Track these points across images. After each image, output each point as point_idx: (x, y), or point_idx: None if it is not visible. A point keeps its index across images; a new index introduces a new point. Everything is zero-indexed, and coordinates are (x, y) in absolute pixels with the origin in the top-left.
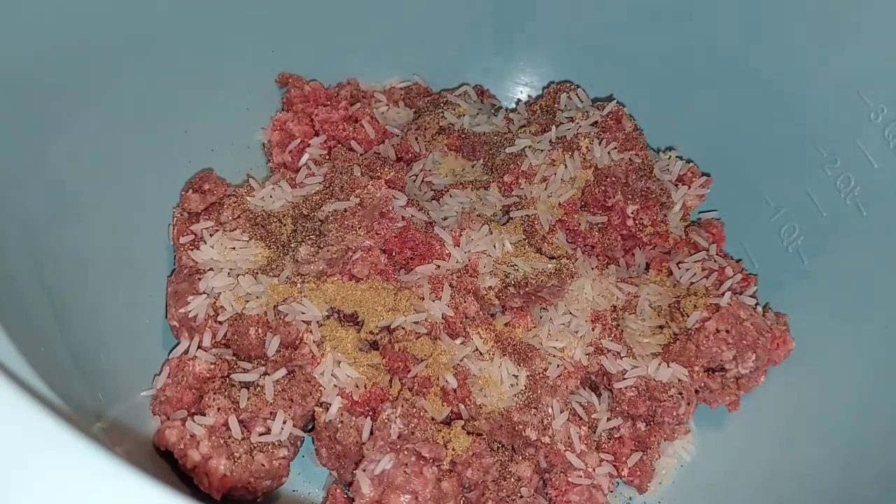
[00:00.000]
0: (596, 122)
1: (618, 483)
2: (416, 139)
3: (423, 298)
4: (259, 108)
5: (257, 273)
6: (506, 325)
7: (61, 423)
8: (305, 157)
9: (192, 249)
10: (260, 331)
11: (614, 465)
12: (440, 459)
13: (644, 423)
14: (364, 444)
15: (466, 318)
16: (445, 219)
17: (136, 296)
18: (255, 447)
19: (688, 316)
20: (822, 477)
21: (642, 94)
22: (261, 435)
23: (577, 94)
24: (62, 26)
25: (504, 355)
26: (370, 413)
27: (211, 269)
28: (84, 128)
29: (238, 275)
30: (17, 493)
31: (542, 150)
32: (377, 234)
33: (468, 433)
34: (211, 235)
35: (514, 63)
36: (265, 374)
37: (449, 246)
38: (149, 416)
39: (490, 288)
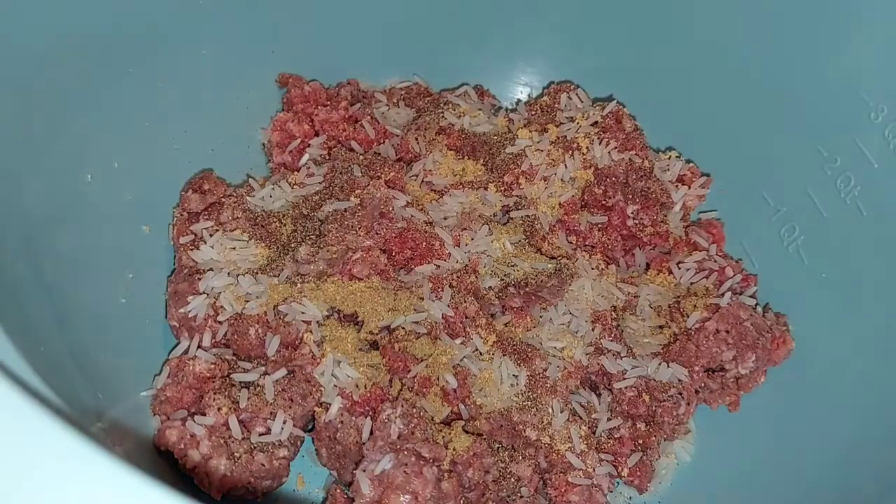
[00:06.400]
0: (596, 122)
1: (618, 483)
2: (416, 139)
3: (423, 298)
4: (259, 108)
5: (257, 273)
6: (506, 325)
7: (61, 423)
8: (305, 157)
9: (192, 249)
10: (260, 331)
11: (614, 465)
12: (440, 459)
13: (644, 423)
14: (364, 444)
15: (466, 318)
16: (445, 219)
17: (136, 296)
18: (255, 447)
19: (688, 316)
20: (822, 477)
21: (642, 94)
22: (261, 435)
23: (577, 94)
24: (62, 27)
25: (504, 355)
26: (370, 413)
27: (211, 269)
28: (84, 128)
29: (238, 275)
30: (17, 493)
31: (542, 150)
32: (377, 234)
33: (468, 433)
34: (211, 235)
35: (514, 63)
36: (265, 374)
37: (449, 246)
38: (149, 416)
39: (490, 288)
